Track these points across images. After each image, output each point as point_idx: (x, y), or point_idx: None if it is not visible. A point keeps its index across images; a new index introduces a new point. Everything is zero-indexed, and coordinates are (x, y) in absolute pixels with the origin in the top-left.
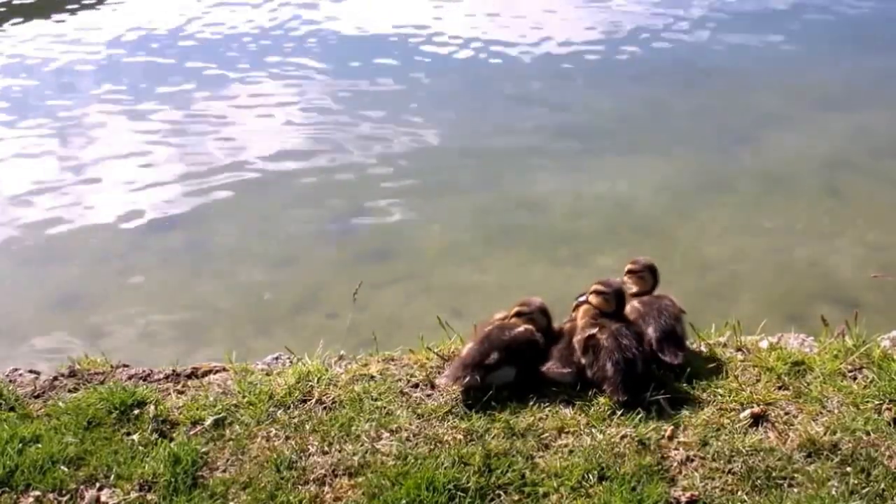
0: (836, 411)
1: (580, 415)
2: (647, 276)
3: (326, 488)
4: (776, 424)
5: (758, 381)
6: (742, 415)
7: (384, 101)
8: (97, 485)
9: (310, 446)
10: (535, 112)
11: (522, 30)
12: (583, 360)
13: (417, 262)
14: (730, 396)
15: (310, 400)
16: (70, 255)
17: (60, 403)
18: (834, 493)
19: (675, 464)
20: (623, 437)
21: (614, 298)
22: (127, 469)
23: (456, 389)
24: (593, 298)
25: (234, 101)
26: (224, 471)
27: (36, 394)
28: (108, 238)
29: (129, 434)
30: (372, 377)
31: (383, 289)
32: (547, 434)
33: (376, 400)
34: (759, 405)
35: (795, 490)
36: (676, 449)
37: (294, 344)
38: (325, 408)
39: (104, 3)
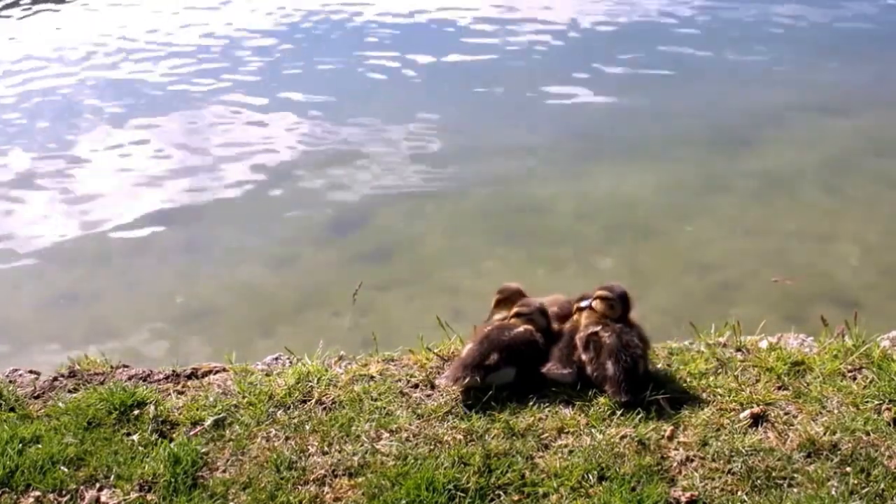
0: (835, 411)
1: (580, 415)
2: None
3: (326, 488)
4: (776, 424)
5: (757, 381)
6: (742, 415)
7: (385, 102)
8: (97, 485)
9: (310, 447)
10: (536, 113)
11: (523, 31)
12: (583, 357)
13: (417, 262)
14: (729, 396)
15: (310, 400)
16: (70, 255)
17: (60, 404)
18: (834, 493)
19: (675, 464)
20: (623, 437)
21: (619, 304)
22: (127, 469)
23: (456, 390)
24: (598, 305)
25: (234, 102)
26: (224, 471)
27: (36, 394)
28: (108, 238)
29: (129, 434)
30: (372, 377)
31: (383, 289)
32: (547, 434)
33: (376, 400)
34: (758, 405)
35: (795, 490)
36: (676, 449)
37: (294, 344)
38: (324, 408)
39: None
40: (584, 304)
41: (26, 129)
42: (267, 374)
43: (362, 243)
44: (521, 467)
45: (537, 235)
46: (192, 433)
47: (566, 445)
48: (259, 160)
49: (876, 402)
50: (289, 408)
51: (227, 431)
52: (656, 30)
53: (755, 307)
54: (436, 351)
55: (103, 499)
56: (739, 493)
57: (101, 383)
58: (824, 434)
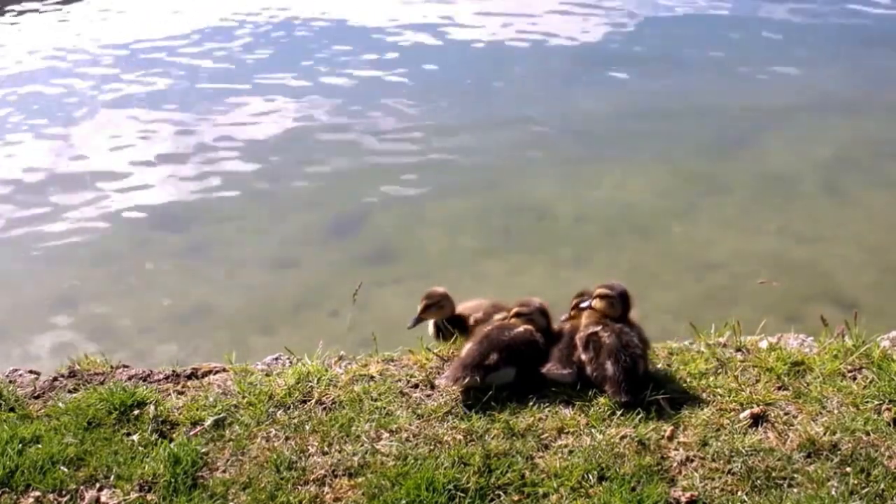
0: (835, 411)
1: (580, 415)
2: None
3: (326, 489)
4: (776, 425)
5: (757, 381)
6: (742, 415)
7: (385, 104)
8: (97, 485)
9: (309, 447)
10: (536, 114)
11: (522, 32)
12: (583, 357)
13: (417, 262)
14: (729, 397)
15: (310, 400)
16: (70, 255)
17: (60, 404)
18: (834, 493)
19: (675, 464)
20: (623, 437)
21: (620, 302)
22: (127, 469)
23: (456, 390)
24: (598, 303)
25: (236, 102)
26: (224, 471)
27: (36, 394)
28: (108, 238)
29: (129, 434)
30: (372, 378)
31: (383, 289)
32: (547, 434)
33: (376, 400)
34: (758, 405)
35: (795, 490)
36: (676, 449)
37: (294, 344)
38: (324, 408)
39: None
40: (584, 304)
41: (24, 128)
42: (267, 375)
43: (362, 243)
44: (521, 467)
45: (537, 236)
46: (192, 433)
47: (566, 445)
48: (259, 161)
49: (876, 403)
50: (289, 408)
51: (227, 431)
52: (655, 30)
53: (755, 307)
54: (435, 351)
55: (103, 499)
56: (739, 493)
57: (101, 383)
58: (824, 434)
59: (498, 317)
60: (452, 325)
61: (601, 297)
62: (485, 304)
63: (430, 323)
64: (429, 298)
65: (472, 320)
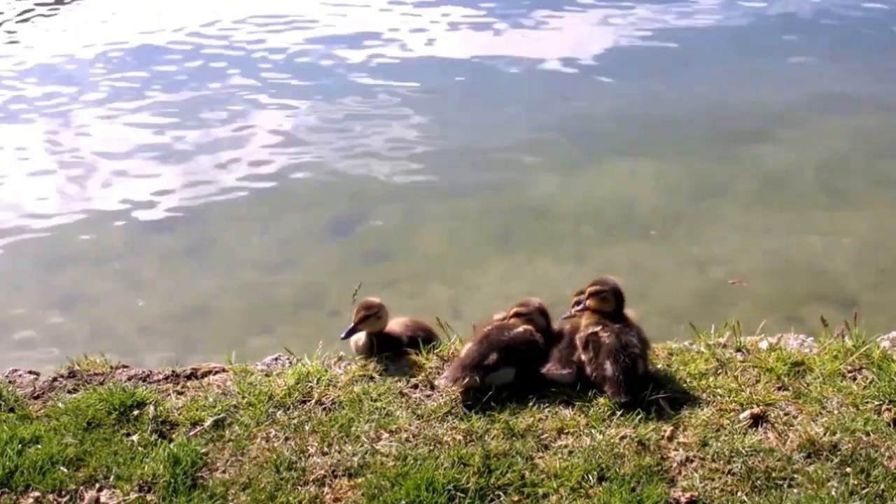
0: (835, 412)
1: (580, 415)
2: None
3: (326, 489)
4: (776, 425)
5: (757, 381)
6: (742, 415)
7: (385, 103)
8: (97, 485)
9: (309, 447)
10: (536, 113)
11: (522, 32)
12: (583, 357)
13: (417, 262)
14: (729, 397)
15: (309, 401)
16: (70, 255)
17: (60, 404)
18: (834, 493)
19: (675, 464)
20: (623, 437)
21: (612, 296)
22: (126, 470)
23: (455, 390)
24: (591, 302)
25: (235, 102)
26: (224, 471)
27: (35, 394)
28: (108, 238)
29: (128, 435)
30: (371, 378)
31: (383, 289)
32: (546, 435)
33: (376, 401)
34: (758, 406)
35: (795, 490)
36: (676, 449)
37: (294, 345)
38: (324, 409)
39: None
40: (578, 308)
41: (21, 127)
42: (266, 375)
43: (361, 243)
44: (521, 468)
45: (536, 235)
46: (191, 433)
47: (566, 446)
48: (258, 160)
49: (876, 403)
50: (288, 408)
51: (227, 432)
52: (655, 29)
53: (755, 307)
54: (435, 351)
55: (103, 499)
56: (739, 493)
57: (101, 384)
58: (824, 434)
59: (497, 317)
60: (380, 341)
61: (593, 293)
62: (405, 322)
63: (362, 335)
64: (367, 309)
65: (404, 339)
